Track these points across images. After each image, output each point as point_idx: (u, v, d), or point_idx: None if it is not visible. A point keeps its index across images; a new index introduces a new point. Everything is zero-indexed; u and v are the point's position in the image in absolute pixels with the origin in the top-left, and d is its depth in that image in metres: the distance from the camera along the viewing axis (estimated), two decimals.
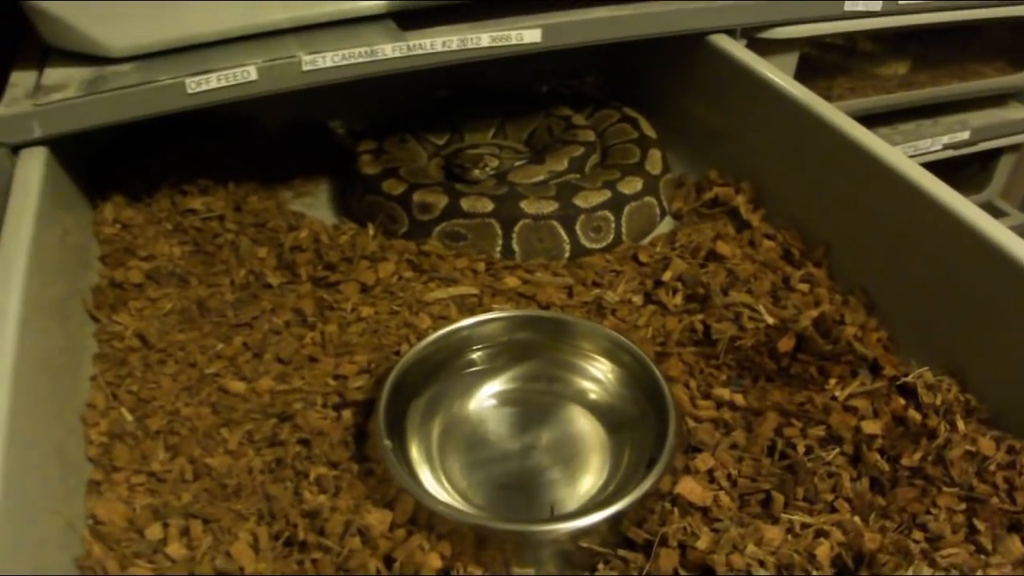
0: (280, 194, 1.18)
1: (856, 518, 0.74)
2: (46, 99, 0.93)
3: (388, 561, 0.71)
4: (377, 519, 0.73)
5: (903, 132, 1.41)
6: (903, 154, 0.94)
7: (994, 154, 1.56)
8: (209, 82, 0.95)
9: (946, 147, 1.41)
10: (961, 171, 1.56)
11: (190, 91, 0.95)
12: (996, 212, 1.63)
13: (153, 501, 0.76)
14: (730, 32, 1.19)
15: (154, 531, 0.73)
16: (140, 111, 0.95)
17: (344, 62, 0.99)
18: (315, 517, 0.73)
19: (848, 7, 1.21)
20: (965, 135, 1.42)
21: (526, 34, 1.05)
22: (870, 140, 0.97)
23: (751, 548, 0.68)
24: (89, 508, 0.74)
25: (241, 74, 0.96)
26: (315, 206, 1.18)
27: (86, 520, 0.74)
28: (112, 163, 1.14)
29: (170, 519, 0.74)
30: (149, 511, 0.75)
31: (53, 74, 0.97)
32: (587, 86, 1.45)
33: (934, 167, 1.32)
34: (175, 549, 0.72)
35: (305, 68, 0.98)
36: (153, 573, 0.70)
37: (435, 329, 0.90)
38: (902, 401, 0.85)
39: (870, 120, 1.37)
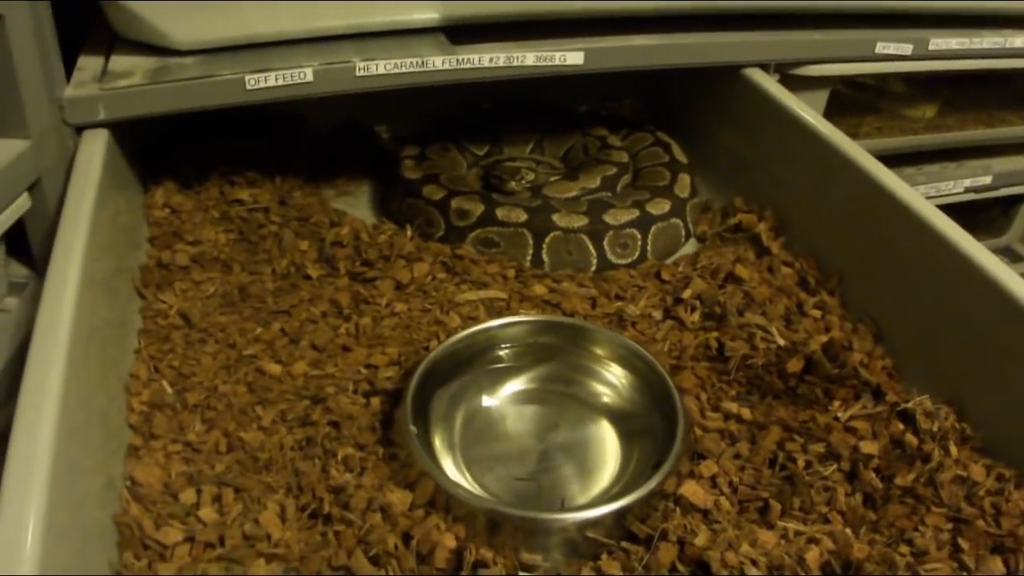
0: (323, 191, 1.24)
1: (847, 529, 0.78)
2: (112, 84, 0.98)
3: (406, 538, 0.75)
4: (398, 498, 0.77)
5: (927, 173, 1.45)
6: (921, 195, 0.98)
7: (1015, 200, 1.59)
8: (267, 80, 1.00)
9: (967, 190, 1.45)
10: (983, 214, 1.59)
11: (249, 87, 1.00)
12: (1015, 256, 1.66)
13: (188, 468, 0.80)
14: (764, 66, 1.23)
15: (188, 496, 0.77)
16: (200, 102, 1.00)
17: (395, 70, 1.04)
18: (340, 492, 0.78)
19: (880, 49, 1.25)
20: (987, 180, 1.46)
21: (569, 56, 1.10)
22: (890, 179, 1.01)
23: (745, 548, 0.73)
24: (128, 471, 0.79)
25: (298, 75, 1.01)
26: (356, 205, 1.24)
27: (124, 481, 0.78)
28: (166, 150, 1.20)
29: (203, 486, 0.78)
30: (184, 477, 0.79)
31: (120, 61, 1.03)
32: (624, 108, 1.50)
33: (956, 209, 1.37)
34: (207, 513, 0.76)
35: (359, 73, 1.03)
36: (185, 533, 0.75)
37: (464, 328, 0.95)
38: (901, 425, 0.89)
39: (897, 159, 1.41)
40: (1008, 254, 1.67)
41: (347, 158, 1.31)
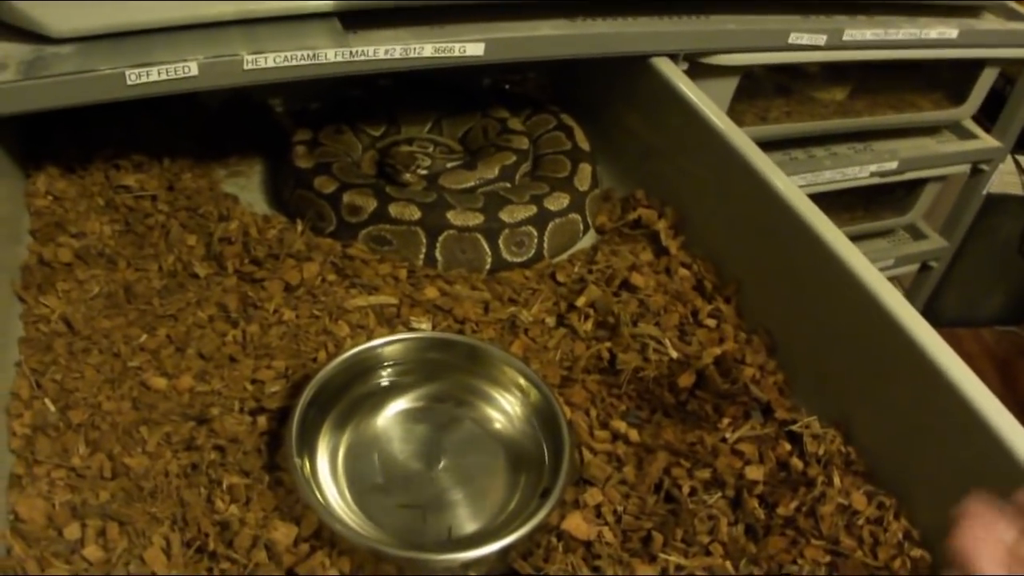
0: (214, 172, 1.25)
1: (728, 563, 0.84)
2: None
3: (292, 575, 0.80)
4: (283, 534, 0.82)
5: (835, 155, 1.51)
6: (816, 208, 1.02)
7: (920, 180, 1.65)
8: (149, 75, 1.00)
9: (873, 175, 1.50)
10: (887, 194, 1.65)
11: (130, 82, 0.99)
12: (917, 234, 1.74)
13: (72, 497, 0.83)
14: (673, 56, 1.25)
15: (72, 531, 0.81)
16: (78, 99, 0.99)
17: (285, 63, 1.04)
18: (226, 528, 0.82)
19: (793, 40, 1.29)
20: (893, 165, 1.52)
21: (469, 47, 1.11)
22: (785, 186, 1.05)
23: None
24: (11, 503, 0.81)
25: (182, 69, 1.01)
26: (248, 188, 1.25)
27: (7, 516, 0.81)
28: (49, 131, 1.19)
29: (88, 519, 0.81)
30: (68, 508, 0.82)
31: None
32: (529, 83, 1.52)
33: (862, 188, 1.42)
34: (92, 552, 0.79)
35: (247, 67, 1.03)
36: (71, 574, 0.78)
37: (352, 337, 0.99)
38: (788, 447, 0.95)
39: (806, 141, 1.46)
40: (912, 231, 1.75)
41: (239, 135, 1.32)
